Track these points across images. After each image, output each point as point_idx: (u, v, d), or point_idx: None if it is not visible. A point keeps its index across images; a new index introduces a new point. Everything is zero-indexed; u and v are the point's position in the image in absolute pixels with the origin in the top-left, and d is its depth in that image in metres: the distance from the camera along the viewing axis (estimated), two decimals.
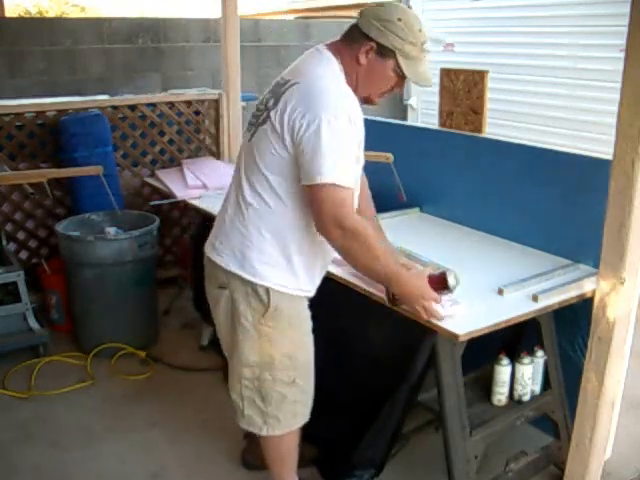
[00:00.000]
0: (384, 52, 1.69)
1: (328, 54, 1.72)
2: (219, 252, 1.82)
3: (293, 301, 1.83)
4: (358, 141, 1.71)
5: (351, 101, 1.67)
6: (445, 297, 1.79)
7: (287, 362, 1.86)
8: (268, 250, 1.75)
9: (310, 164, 1.59)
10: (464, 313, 1.80)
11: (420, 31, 1.70)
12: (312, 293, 1.89)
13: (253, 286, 1.77)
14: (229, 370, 1.97)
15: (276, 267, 1.76)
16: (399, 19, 1.68)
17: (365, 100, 1.77)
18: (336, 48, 1.74)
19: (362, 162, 1.82)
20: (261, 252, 1.75)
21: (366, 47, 1.68)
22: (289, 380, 1.88)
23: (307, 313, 1.91)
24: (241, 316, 1.81)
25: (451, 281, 1.75)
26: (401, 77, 1.74)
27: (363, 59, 1.70)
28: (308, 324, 1.93)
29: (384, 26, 1.67)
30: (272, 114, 1.67)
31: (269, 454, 2.06)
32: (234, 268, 1.78)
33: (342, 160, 1.60)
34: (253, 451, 2.28)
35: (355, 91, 1.71)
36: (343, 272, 2.13)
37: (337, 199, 1.60)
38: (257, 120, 1.75)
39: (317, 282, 1.90)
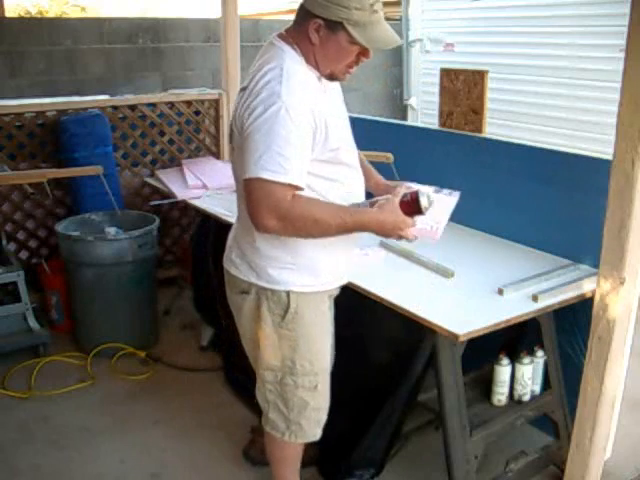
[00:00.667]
0: (332, 26, 1.58)
1: (280, 44, 1.66)
2: (236, 265, 1.82)
3: (314, 300, 1.80)
4: (304, 131, 1.58)
5: (293, 92, 1.56)
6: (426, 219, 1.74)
7: (308, 367, 1.84)
8: (280, 256, 1.73)
9: (244, 159, 1.57)
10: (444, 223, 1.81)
11: None
12: (337, 283, 1.87)
13: (272, 291, 1.76)
14: (256, 375, 1.95)
15: (293, 270, 1.74)
16: None
17: (330, 77, 1.70)
18: (289, 35, 1.68)
19: (342, 146, 1.72)
20: (274, 259, 1.74)
21: (313, 25, 1.60)
22: (311, 386, 1.86)
23: (326, 310, 1.87)
24: (262, 320, 1.79)
25: (424, 203, 1.64)
26: (361, 49, 1.63)
27: (314, 38, 1.61)
28: (328, 323, 1.91)
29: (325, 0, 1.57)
30: (233, 128, 1.67)
31: (274, 454, 2.05)
32: (253, 279, 1.77)
33: (271, 152, 1.52)
34: (257, 446, 2.28)
35: (318, 70, 1.66)
36: None
37: (264, 193, 1.53)
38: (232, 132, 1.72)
39: (342, 270, 1.87)
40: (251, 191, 1.55)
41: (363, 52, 1.64)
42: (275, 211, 1.54)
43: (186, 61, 4.83)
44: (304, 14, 1.63)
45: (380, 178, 1.98)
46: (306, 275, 1.76)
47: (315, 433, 1.94)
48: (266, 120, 1.52)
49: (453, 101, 2.73)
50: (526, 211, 2.43)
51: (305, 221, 1.57)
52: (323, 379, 1.89)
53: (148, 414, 2.69)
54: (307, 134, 1.58)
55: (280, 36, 1.69)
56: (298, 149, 1.55)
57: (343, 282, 1.91)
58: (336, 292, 1.93)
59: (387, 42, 1.64)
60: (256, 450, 2.31)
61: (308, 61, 1.65)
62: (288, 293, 1.75)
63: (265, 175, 1.51)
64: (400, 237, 1.69)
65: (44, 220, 3.69)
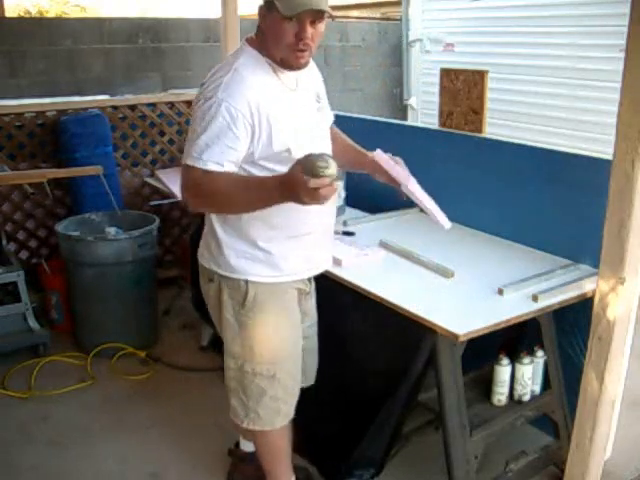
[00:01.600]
0: (268, 5, 1.62)
1: (244, 45, 1.74)
2: (203, 255, 1.91)
3: (276, 290, 1.84)
4: (236, 125, 1.62)
5: (232, 88, 1.62)
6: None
7: (267, 355, 1.87)
8: (238, 246, 1.79)
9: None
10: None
11: None
12: (302, 275, 1.90)
13: (232, 279, 1.82)
14: None
15: (250, 260, 1.80)
16: None
17: (284, 64, 1.69)
18: (254, 35, 1.75)
19: (294, 148, 1.71)
20: (232, 249, 1.80)
21: (259, 12, 1.68)
22: (268, 374, 1.88)
23: (291, 301, 1.91)
24: (224, 307, 1.86)
25: (321, 164, 1.51)
26: (290, 19, 1.60)
27: (263, 24, 1.69)
28: (294, 315, 1.93)
29: None
30: None
31: (258, 450, 2.09)
32: (215, 267, 1.84)
33: (199, 142, 1.62)
34: (240, 470, 2.27)
35: (276, 61, 1.69)
36: (342, 272, 2.14)
37: (186, 176, 1.66)
38: None
39: (307, 262, 1.88)
40: (181, 175, 1.68)
41: (296, 27, 1.61)
42: (193, 190, 1.66)
43: (186, 61, 4.83)
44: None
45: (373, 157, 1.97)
46: (264, 266, 1.81)
47: (273, 421, 1.95)
48: (203, 112, 1.63)
49: (453, 101, 2.73)
50: (526, 211, 2.42)
51: (218, 195, 1.65)
52: (283, 369, 1.91)
53: (148, 414, 2.69)
54: (240, 128, 1.63)
55: (247, 39, 1.76)
56: (223, 140, 1.62)
57: (311, 274, 1.94)
58: (305, 285, 1.96)
59: (302, 4, 1.59)
60: (240, 474, 2.28)
61: (267, 54, 1.70)
62: (246, 281, 1.81)
63: (189, 162, 1.63)
64: (313, 199, 1.53)
65: (44, 220, 3.70)
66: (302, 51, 1.66)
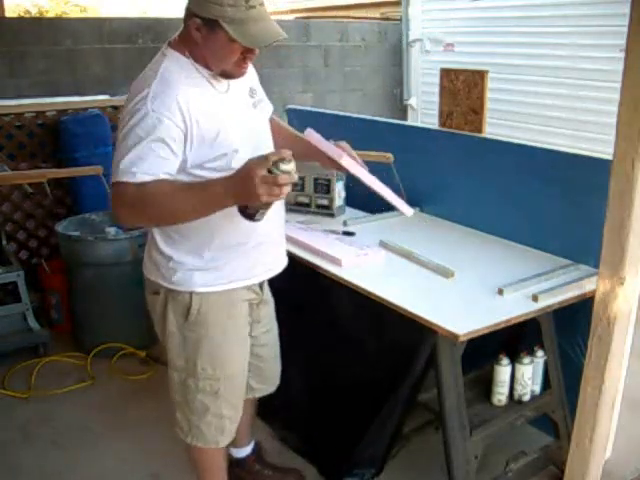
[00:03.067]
0: (210, 24, 1.54)
1: (166, 50, 1.66)
2: (147, 268, 1.83)
3: (222, 302, 1.78)
4: (167, 133, 1.54)
5: (160, 96, 1.54)
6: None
7: (210, 371, 1.82)
8: (182, 258, 1.73)
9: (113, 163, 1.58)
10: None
11: None
12: (256, 279, 1.84)
13: (176, 292, 1.76)
14: None
15: (195, 270, 1.73)
16: None
17: (225, 75, 1.66)
18: (177, 39, 1.66)
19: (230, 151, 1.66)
20: (176, 262, 1.73)
21: (193, 25, 1.56)
22: (212, 390, 1.84)
23: (238, 315, 1.84)
24: (167, 320, 1.80)
25: (278, 157, 1.44)
26: (246, 47, 1.59)
27: (197, 37, 1.58)
28: (242, 330, 1.88)
29: None
30: None
31: (194, 465, 2.05)
32: (160, 280, 1.77)
33: (130, 157, 1.52)
34: (232, 475, 2.19)
35: (209, 69, 1.64)
36: (342, 272, 2.14)
37: (117, 192, 1.54)
38: None
39: (259, 264, 1.82)
40: (112, 195, 1.56)
41: (248, 49, 1.59)
42: (127, 205, 1.54)
43: None
44: (186, 14, 1.60)
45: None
46: (208, 274, 1.74)
47: (217, 440, 1.91)
48: (131, 127, 1.52)
49: (453, 101, 2.73)
50: (526, 211, 2.42)
51: (156, 205, 1.53)
52: (227, 386, 1.85)
53: (148, 414, 2.69)
54: (173, 138, 1.55)
55: (170, 42, 1.67)
56: (157, 151, 1.53)
57: (262, 278, 1.87)
58: (257, 294, 1.89)
59: (265, 39, 1.56)
60: (231, 478, 2.20)
61: (197, 61, 1.63)
62: (191, 294, 1.74)
63: (119, 178, 1.52)
64: (270, 191, 1.43)
65: (44, 220, 3.70)
66: (246, 64, 1.64)
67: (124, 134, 1.54)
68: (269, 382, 2.11)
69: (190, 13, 1.57)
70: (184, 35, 1.63)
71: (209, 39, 1.57)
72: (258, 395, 2.13)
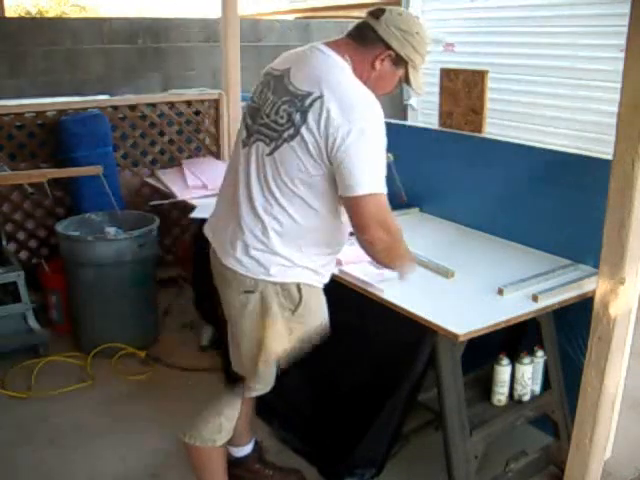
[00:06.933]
0: (398, 61, 1.75)
1: (337, 57, 1.70)
2: (242, 263, 1.78)
3: (319, 293, 1.87)
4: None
5: (378, 105, 1.66)
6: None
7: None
8: (295, 257, 1.75)
9: (350, 177, 1.61)
10: None
11: (427, 44, 1.80)
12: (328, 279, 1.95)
13: (283, 285, 1.77)
14: (239, 368, 1.98)
15: (303, 269, 1.78)
16: (417, 32, 1.75)
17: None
18: (343, 49, 1.72)
19: None
20: (287, 259, 1.75)
21: (385, 54, 1.73)
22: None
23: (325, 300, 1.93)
24: (273, 316, 1.79)
25: None
26: (400, 82, 1.82)
27: (378, 65, 1.74)
28: (326, 317, 1.95)
29: (404, 37, 1.72)
30: (304, 131, 1.63)
31: (193, 464, 2.07)
32: (263, 277, 1.77)
33: (377, 167, 1.63)
34: (231, 474, 2.18)
35: (365, 84, 1.71)
36: (342, 272, 2.14)
37: (379, 206, 1.64)
38: (279, 134, 1.68)
39: (332, 271, 1.97)
40: (359, 210, 1.64)
41: (396, 87, 1.84)
42: (385, 223, 1.66)
43: (186, 61, 4.83)
44: (374, 40, 1.73)
45: None
46: (311, 272, 1.80)
47: (214, 439, 1.99)
48: (368, 138, 1.61)
49: (453, 101, 2.74)
50: (526, 211, 2.42)
51: (399, 231, 1.73)
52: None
53: (148, 414, 2.69)
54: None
55: (333, 49, 1.73)
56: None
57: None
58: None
59: (423, 89, 1.85)
60: (231, 477, 2.18)
61: (357, 76, 1.72)
62: (298, 285, 1.78)
63: (371, 190, 1.61)
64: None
65: (44, 220, 3.69)
66: None
67: (366, 149, 1.63)
68: (264, 382, 2.11)
69: (383, 43, 1.73)
70: (356, 50, 1.74)
71: (387, 70, 1.77)
72: (254, 394, 2.13)
